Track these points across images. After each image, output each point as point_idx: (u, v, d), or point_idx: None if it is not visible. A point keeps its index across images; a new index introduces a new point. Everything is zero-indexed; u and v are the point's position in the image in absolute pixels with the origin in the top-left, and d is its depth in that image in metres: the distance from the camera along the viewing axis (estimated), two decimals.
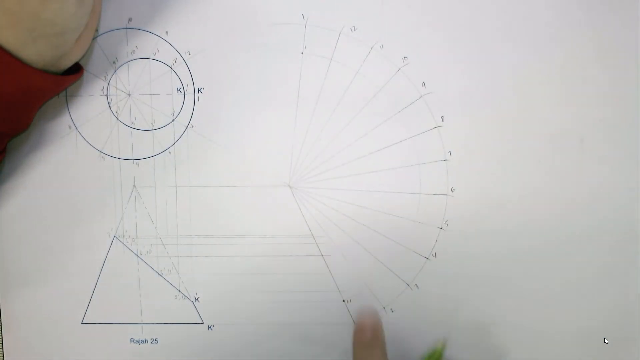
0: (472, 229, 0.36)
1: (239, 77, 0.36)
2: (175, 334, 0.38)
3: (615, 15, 0.35)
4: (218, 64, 0.36)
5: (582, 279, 0.37)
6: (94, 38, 0.36)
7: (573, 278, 0.37)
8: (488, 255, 0.37)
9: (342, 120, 0.36)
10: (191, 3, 0.35)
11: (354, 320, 0.37)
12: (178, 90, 0.36)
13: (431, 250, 0.37)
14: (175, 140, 0.37)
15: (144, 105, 0.36)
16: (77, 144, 0.37)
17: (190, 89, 0.36)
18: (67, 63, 0.32)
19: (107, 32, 0.36)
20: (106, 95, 0.36)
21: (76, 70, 0.34)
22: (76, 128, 0.36)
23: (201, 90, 0.36)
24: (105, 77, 0.36)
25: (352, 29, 0.36)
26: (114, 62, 0.36)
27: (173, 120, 0.36)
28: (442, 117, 0.36)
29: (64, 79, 0.33)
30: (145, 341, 0.38)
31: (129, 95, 0.36)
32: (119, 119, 0.36)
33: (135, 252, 0.37)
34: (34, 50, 0.29)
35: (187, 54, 0.36)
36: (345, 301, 0.37)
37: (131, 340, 0.38)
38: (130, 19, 0.36)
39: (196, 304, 0.38)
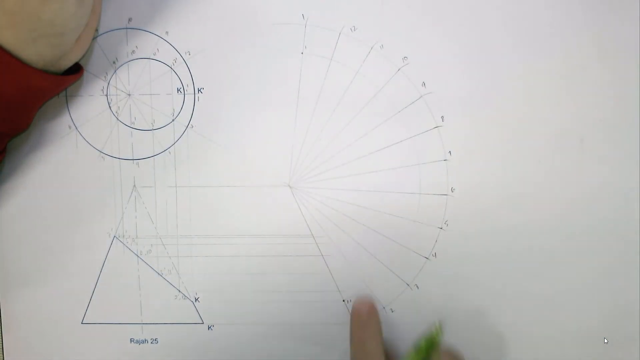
0: (472, 229, 0.36)
1: (239, 77, 0.36)
2: (175, 334, 0.38)
3: (615, 16, 0.35)
4: (218, 64, 0.36)
5: (582, 279, 0.37)
6: (94, 38, 0.36)
7: (573, 278, 0.37)
8: (488, 255, 0.37)
9: (342, 120, 0.36)
10: (191, 3, 0.35)
11: None
12: (178, 90, 0.36)
13: (431, 250, 0.37)
14: (175, 140, 0.37)
15: (144, 105, 0.36)
16: (77, 144, 0.37)
17: (190, 89, 0.36)
18: (67, 63, 0.32)
19: (107, 32, 0.36)
20: (106, 95, 0.36)
21: (76, 70, 0.34)
22: (76, 128, 0.36)
23: (201, 90, 0.36)
24: (105, 77, 0.36)
25: (352, 29, 0.36)
26: (114, 62, 0.36)
27: (173, 120, 0.36)
28: (442, 117, 0.36)
29: (64, 79, 0.33)
30: (145, 341, 0.38)
31: (129, 95, 0.36)
32: (119, 119, 0.36)
33: (135, 252, 0.37)
34: (34, 51, 0.29)
35: (187, 54, 0.36)
36: (345, 301, 0.37)
37: (131, 340, 0.38)
38: (130, 19, 0.36)
39: (196, 304, 0.38)
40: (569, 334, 0.37)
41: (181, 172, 0.37)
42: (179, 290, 0.38)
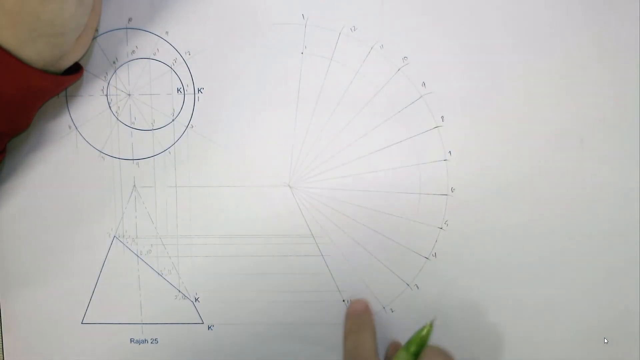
0: (472, 229, 0.36)
1: (239, 77, 0.36)
2: (175, 334, 0.38)
3: (616, 16, 0.35)
4: (218, 64, 0.36)
5: (582, 279, 0.37)
6: (94, 38, 0.36)
7: (573, 278, 0.37)
8: (488, 255, 0.37)
9: (342, 120, 0.36)
10: (191, 3, 0.35)
11: None
12: (178, 90, 0.36)
13: (431, 250, 0.37)
14: (175, 140, 0.37)
15: (144, 105, 0.36)
16: (77, 144, 0.37)
17: (190, 89, 0.36)
18: (67, 63, 0.32)
19: (107, 32, 0.36)
20: (106, 95, 0.36)
21: (76, 70, 0.34)
22: (76, 128, 0.36)
23: (201, 90, 0.36)
24: (105, 77, 0.36)
25: (352, 29, 0.36)
26: (114, 62, 0.36)
27: (173, 120, 0.36)
28: (442, 117, 0.36)
29: (64, 79, 0.33)
30: (145, 341, 0.38)
31: (129, 95, 0.36)
32: (119, 119, 0.36)
33: (135, 252, 0.37)
34: (33, 50, 0.29)
35: (187, 54, 0.36)
36: (345, 301, 0.37)
37: (131, 340, 0.38)
38: (130, 19, 0.36)
39: (196, 304, 0.38)
40: (569, 334, 0.37)
41: (181, 172, 0.37)
42: (179, 290, 0.38)
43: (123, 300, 0.38)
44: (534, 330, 0.37)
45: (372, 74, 0.36)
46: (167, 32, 0.36)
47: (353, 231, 0.37)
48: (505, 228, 0.36)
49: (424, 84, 0.36)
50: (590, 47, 0.35)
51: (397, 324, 0.37)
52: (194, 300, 0.38)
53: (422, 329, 0.32)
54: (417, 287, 0.37)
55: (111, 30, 0.36)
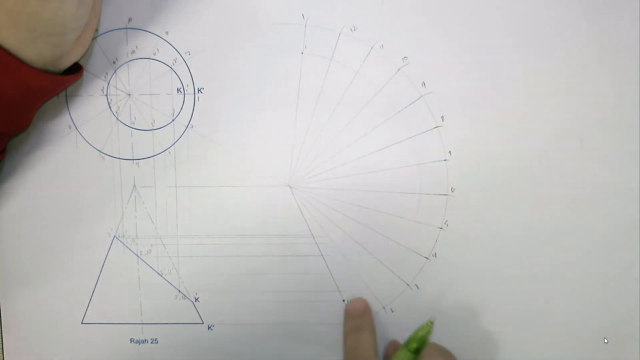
0: (472, 229, 0.36)
1: (239, 77, 0.36)
2: (175, 334, 0.38)
3: (616, 16, 0.35)
4: (218, 64, 0.36)
5: (582, 279, 0.37)
6: (94, 38, 0.36)
7: (573, 278, 0.37)
8: (488, 255, 0.37)
9: (342, 120, 0.36)
10: (191, 3, 0.35)
11: None
12: (178, 90, 0.36)
13: (431, 250, 0.37)
14: (175, 140, 0.37)
15: (144, 105, 0.36)
16: (77, 144, 0.37)
17: (190, 89, 0.36)
18: (67, 63, 0.32)
19: (107, 32, 0.36)
20: (106, 95, 0.36)
21: (76, 70, 0.34)
22: (76, 128, 0.36)
23: (201, 90, 0.36)
24: (105, 77, 0.36)
25: (352, 29, 0.36)
26: (114, 62, 0.36)
27: (173, 120, 0.36)
28: (442, 117, 0.36)
29: (64, 79, 0.33)
30: (145, 341, 0.38)
31: (129, 95, 0.36)
32: (119, 119, 0.36)
33: (135, 252, 0.37)
34: (33, 50, 0.29)
35: (187, 54, 0.36)
36: (345, 301, 0.37)
37: (131, 340, 0.38)
38: (130, 19, 0.36)
39: (196, 304, 0.38)
40: (569, 334, 0.37)
41: (181, 172, 0.37)
42: (179, 290, 0.38)
43: (123, 300, 0.38)
44: (534, 331, 0.37)
45: (372, 74, 0.36)
46: (167, 32, 0.36)
47: (353, 231, 0.37)
48: (505, 228, 0.36)
49: (424, 84, 0.36)
50: (590, 47, 0.35)
51: (397, 324, 0.37)
52: (194, 300, 0.38)
53: (422, 327, 0.32)
54: (417, 287, 0.37)
55: (111, 30, 0.36)
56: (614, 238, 0.36)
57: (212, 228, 0.37)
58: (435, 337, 0.36)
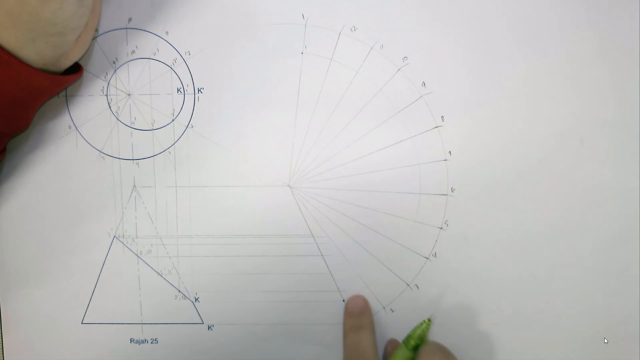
0: (472, 229, 0.36)
1: (239, 77, 0.36)
2: (175, 334, 0.38)
3: (616, 16, 0.35)
4: (218, 63, 0.36)
5: (582, 279, 0.37)
6: (94, 38, 0.36)
7: (573, 278, 0.37)
8: (488, 255, 0.37)
9: (342, 120, 0.36)
10: (191, 3, 0.35)
11: None
12: (178, 90, 0.36)
13: (431, 250, 0.37)
14: (175, 140, 0.37)
15: (144, 105, 0.36)
16: (77, 144, 0.37)
17: (190, 89, 0.36)
18: (67, 63, 0.32)
19: (107, 32, 0.36)
20: (106, 95, 0.36)
21: (76, 70, 0.34)
22: (76, 128, 0.36)
23: (201, 90, 0.36)
24: (105, 77, 0.36)
25: (352, 29, 0.36)
26: (114, 62, 0.36)
27: (173, 120, 0.36)
28: (442, 117, 0.36)
29: (64, 79, 0.33)
30: (145, 341, 0.38)
31: (129, 95, 0.36)
32: (119, 119, 0.36)
33: (135, 252, 0.37)
34: (33, 50, 0.29)
35: (187, 54, 0.36)
36: (345, 301, 0.37)
37: (131, 340, 0.38)
38: (130, 19, 0.36)
39: (196, 304, 0.38)
40: (569, 334, 0.37)
41: (181, 172, 0.37)
42: (179, 290, 0.38)
43: (123, 300, 0.38)
44: (534, 330, 0.37)
45: (372, 74, 0.36)
46: (167, 32, 0.36)
47: (353, 231, 0.37)
48: (505, 228, 0.36)
49: (424, 84, 0.36)
50: (590, 47, 0.35)
51: (397, 324, 0.37)
52: (194, 300, 0.38)
53: (420, 325, 0.33)
54: (417, 287, 0.37)
55: (111, 30, 0.36)
56: (614, 238, 0.36)
57: (212, 228, 0.37)
58: (435, 337, 0.36)
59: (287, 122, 0.36)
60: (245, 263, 0.37)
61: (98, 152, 0.37)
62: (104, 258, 0.37)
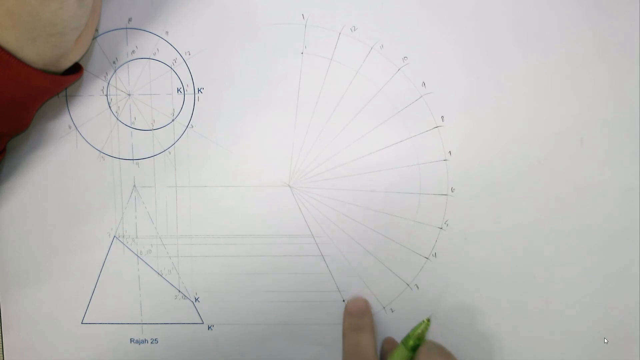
0: (472, 229, 0.36)
1: (239, 77, 0.36)
2: (175, 334, 0.38)
3: (616, 16, 0.35)
4: (218, 64, 0.36)
5: (582, 279, 0.37)
6: (94, 38, 0.36)
7: (573, 278, 0.37)
8: (488, 255, 0.37)
9: (342, 120, 0.36)
10: (191, 3, 0.35)
11: None
12: (178, 90, 0.36)
13: (431, 250, 0.37)
14: (175, 140, 0.37)
15: (144, 105, 0.36)
16: (77, 144, 0.37)
17: (190, 89, 0.36)
18: (67, 63, 0.32)
19: (107, 32, 0.36)
20: (106, 95, 0.36)
21: (76, 70, 0.34)
22: (76, 128, 0.36)
23: (201, 90, 0.36)
24: (105, 77, 0.36)
25: (352, 29, 0.36)
26: (114, 62, 0.36)
27: (173, 120, 0.36)
28: (442, 117, 0.36)
29: (64, 79, 0.33)
30: (145, 341, 0.38)
31: (129, 95, 0.36)
32: (119, 119, 0.36)
33: (135, 252, 0.37)
34: (33, 50, 0.29)
35: (187, 54, 0.36)
36: (345, 301, 0.37)
37: (131, 340, 0.38)
38: (130, 19, 0.36)
39: (196, 304, 0.38)
40: (569, 334, 0.37)
41: (181, 172, 0.37)
42: (179, 290, 0.38)
43: (123, 300, 0.38)
44: (534, 331, 0.37)
45: (372, 74, 0.36)
46: (167, 32, 0.36)
47: (353, 231, 0.37)
48: (505, 228, 0.36)
49: (424, 84, 0.36)
50: (590, 47, 0.35)
51: (397, 324, 0.37)
52: (194, 300, 0.38)
53: (419, 324, 0.33)
54: (417, 287, 0.37)
55: (111, 30, 0.36)
56: (614, 238, 0.36)
57: (212, 228, 0.37)
58: (435, 337, 0.36)
59: (287, 122, 0.36)
60: (245, 263, 0.37)
61: (98, 152, 0.37)
62: (104, 258, 0.37)
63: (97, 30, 0.35)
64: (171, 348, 0.38)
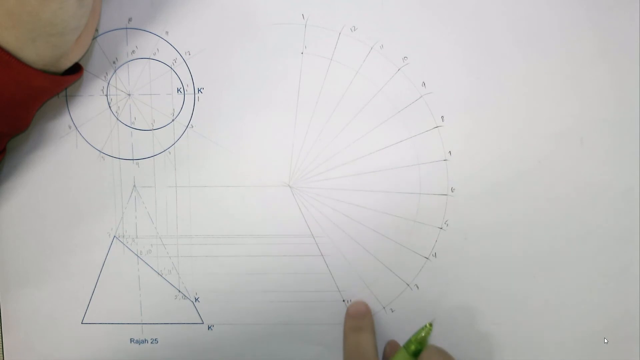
0: (472, 229, 0.36)
1: (239, 77, 0.36)
2: (175, 334, 0.38)
3: (616, 16, 0.35)
4: (218, 64, 0.36)
5: (582, 279, 0.37)
6: (94, 38, 0.36)
7: (573, 278, 0.37)
8: (488, 255, 0.37)
9: (342, 120, 0.36)
10: (191, 3, 0.35)
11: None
12: (178, 90, 0.36)
13: (431, 250, 0.37)
14: (175, 140, 0.37)
15: (144, 105, 0.36)
16: (77, 144, 0.37)
17: (190, 89, 0.36)
18: (67, 63, 0.32)
19: (107, 32, 0.36)
20: (106, 95, 0.36)
21: (76, 70, 0.34)
22: (76, 128, 0.36)
23: (201, 90, 0.36)
24: (105, 77, 0.36)
25: (352, 29, 0.36)
26: (114, 62, 0.36)
27: (173, 120, 0.36)
28: (442, 117, 0.36)
29: (64, 79, 0.33)
30: (145, 341, 0.38)
31: (129, 95, 0.36)
32: (119, 119, 0.36)
33: (135, 252, 0.37)
34: (33, 51, 0.29)
35: (187, 54, 0.36)
36: (345, 301, 0.37)
37: (131, 340, 0.38)
38: (130, 19, 0.36)
39: (196, 304, 0.38)
40: (569, 334, 0.37)
41: (181, 172, 0.37)
42: (179, 290, 0.38)
43: (123, 300, 0.38)
44: (534, 331, 0.37)
45: (372, 74, 0.36)
46: (167, 32, 0.36)
47: (353, 231, 0.37)
48: (505, 228, 0.36)
49: (424, 84, 0.36)
50: (590, 47, 0.35)
51: (397, 324, 0.37)
52: (194, 300, 0.38)
53: (421, 329, 0.32)
54: (417, 287, 0.37)
55: (111, 30, 0.36)
56: (614, 238, 0.36)
57: (212, 228, 0.37)
58: (435, 337, 0.36)
59: (287, 122, 0.36)
60: (245, 263, 0.37)
61: (98, 152, 0.37)
62: (104, 258, 0.37)
63: (97, 30, 0.35)
64: (171, 348, 0.38)
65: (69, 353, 0.38)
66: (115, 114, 0.36)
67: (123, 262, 0.37)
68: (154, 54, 0.36)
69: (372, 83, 0.36)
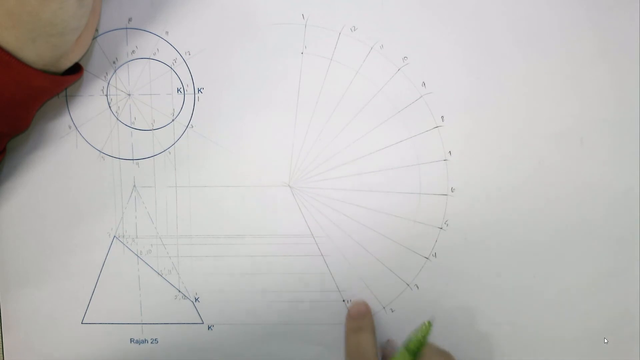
0: (472, 229, 0.36)
1: (239, 77, 0.36)
2: (175, 334, 0.38)
3: (616, 16, 0.35)
4: (218, 64, 0.36)
5: (582, 279, 0.37)
6: (94, 38, 0.36)
7: (573, 278, 0.37)
8: (488, 255, 0.37)
9: (342, 120, 0.36)
10: (191, 3, 0.35)
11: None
12: (178, 90, 0.36)
13: (431, 250, 0.37)
14: (175, 140, 0.37)
15: (144, 105, 0.36)
16: (77, 144, 0.37)
17: (190, 89, 0.36)
18: (67, 63, 0.32)
19: (107, 32, 0.36)
20: (106, 95, 0.36)
21: (76, 70, 0.34)
22: (76, 128, 0.36)
23: (201, 90, 0.36)
24: (105, 77, 0.36)
25: (352, 29, 0.36)
26: (114, 62, 0.36)
27: (173, 120, 0.36)
28: (442, 117, 0.36)
29: (64, 79, 0.33)
30: (145, 341, 0.38)
31: (129, 95, 0.36)
32: (119, 119, 0.36)
33: (135, 252, 0.37)
34: (33, 51, 0.29)
35: (187, 54, 0.36)
36: (345, 301, 0.37)
37: (131, 340, 0.38)
38: (130, 19, 0.36)
39: (196, 304, 0.38)
40: (570, 334, 0.37)
41: (181, 172, 0.37)
42: (179, 290, 0.38)
43: (123, 300, 0.38)
44: (534, 330, 0.37)
45: (372, 74, 0.36)
46: (167, 32, 0.36)
47: (353, 231, 0.37)
48: (505, 228, 0.36)
49: (424, 84, 0.36)
50: (590, 47, 0.35)
51: (397, 324, 0.37)
52: (194, 300, 0.38)
53: (421, 327, 0.32)
54: (417, 287, 0.37)
55: (111, 30, 0.36)
56: (614, 238, 0.36)
57: (212, 228, 0.37)
58: (435, 337, 0.36)
59: (287, 122, 0.36)
60: (245, 263, 0.37)
61: (98, 152, 0.37)
62: (104, 258, 0.37)
63: (97, 30, 0.35)
64: (171, 348, 0.38)
65: (69, 353, 0.38)
66: (115, 114, 0.36)
67: (123, 262, 0.37)
68: (154, 54, 0.36)
69: (372, 83, 0.36)
